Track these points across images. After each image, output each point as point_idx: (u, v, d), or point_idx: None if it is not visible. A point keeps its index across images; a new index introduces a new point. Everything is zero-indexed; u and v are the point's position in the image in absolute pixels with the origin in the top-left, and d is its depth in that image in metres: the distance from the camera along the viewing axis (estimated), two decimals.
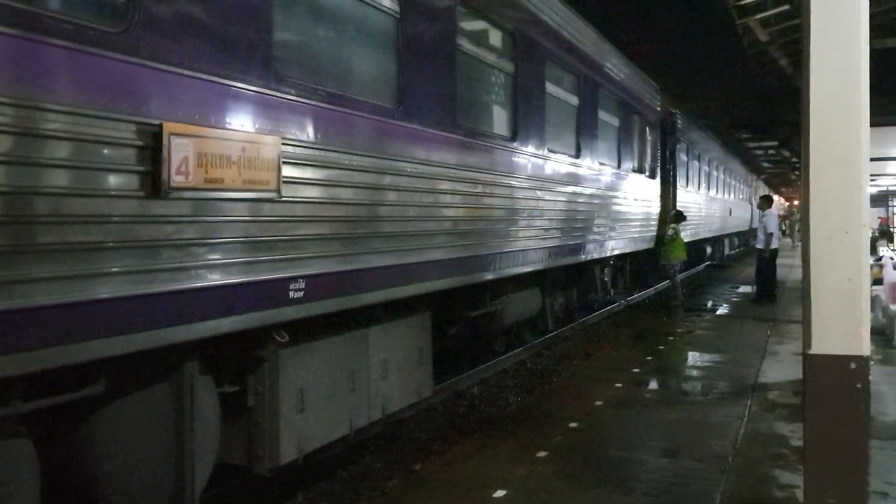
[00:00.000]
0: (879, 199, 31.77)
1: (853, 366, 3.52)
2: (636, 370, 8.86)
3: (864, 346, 3.54)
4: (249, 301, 4.19)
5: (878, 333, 10.26)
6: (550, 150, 9.09)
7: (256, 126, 4.22)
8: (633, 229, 13.50)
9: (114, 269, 3.40)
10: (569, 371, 9.29)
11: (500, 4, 7.72)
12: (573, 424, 6.59)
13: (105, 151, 3.36)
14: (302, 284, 4.59)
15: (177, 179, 3.65)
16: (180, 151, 3.65)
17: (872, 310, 9.49)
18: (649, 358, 9.65)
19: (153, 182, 3.56)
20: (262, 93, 4.28)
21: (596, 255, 11.45)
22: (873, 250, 20.99)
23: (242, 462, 4.79)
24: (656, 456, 5.77)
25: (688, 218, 17.51)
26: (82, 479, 3.82)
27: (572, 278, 11.81)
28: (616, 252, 12.68)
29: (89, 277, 3.29)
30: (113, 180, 3.41)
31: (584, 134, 10.49)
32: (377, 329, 5.88)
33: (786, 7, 13.06)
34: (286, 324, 4.60)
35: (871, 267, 12.63)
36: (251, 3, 4.24)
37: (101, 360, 3.40)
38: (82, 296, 3.26)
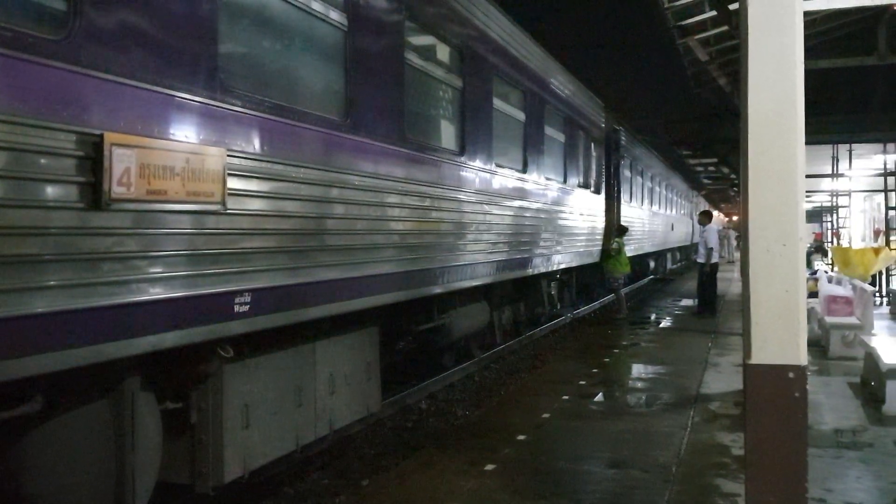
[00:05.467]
0: (814, 215, 32.88)
1: (791, 375, 3.61)
2: (583, 382, 8.95)
3: (802, 356, 3.63)
4: (193, 315, 4.11)
5: (814, 345, 10.57)
6: (498, 165, 9.17)
7: (201, 137, 4.16)
8: (578, 243, 13.68)
9: (51, 283, 3.30)
10: (516, 384, 9.33)
11: (447, 20, 7.77)
12: (521, 437, 6.61)
13: (43, 161, 3.27)
14: (247, 298, 4.52)
15: (118, 191, 3.57)
16: (122, 162, 3.58)
17: (808, 322, 9.78)
18: (595, 370, 9.76)
19: (93, 193, 3.47)
20: (208, 104, 4.22)
21: (543, 269, 11.57)
22: (809, 264, 21.69)
23: (185, 481, 4.69)
24: (603, 467, 5.83)
25: (631, 233, 17.82)
26: (18, 501, 3.68)
27: (520, 292, 11.90)
28: (562, 266, 12.82)
29: (24, 291, 3.19)
30: (51, 191, 3.31)
31: (530, 149, 10.61)
32: (324, 343, 5.83)
33: (724, 28, 13.45)
34: (231, 338, 4.53)
35: (807, 280, 13.02)
36: (197, 13, 4.19)
37: (37, 376, 3.29)
38: (16, 310, 3.15)
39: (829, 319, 10.65)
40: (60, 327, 3.34)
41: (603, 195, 16.00)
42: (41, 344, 3.26)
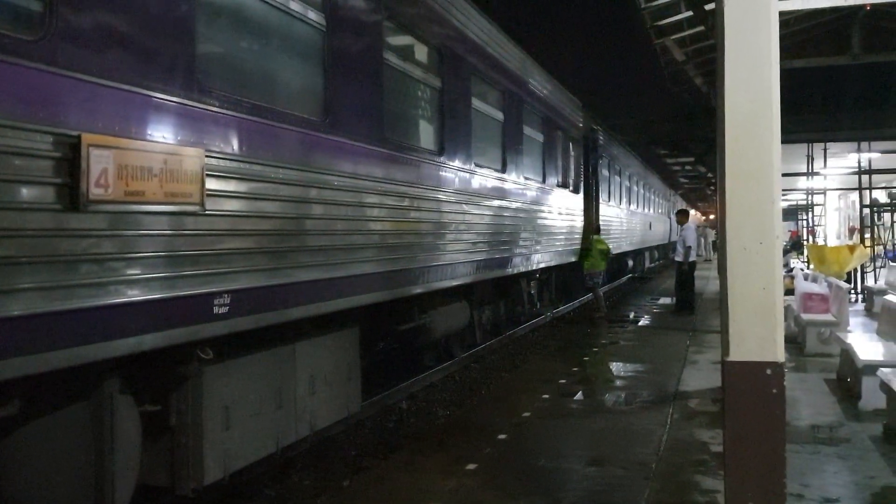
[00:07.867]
0: (789, 214, 33.23)
1: (769, 372, 3.65)
2: (563, 381, 8.98)
3: (779, 353, 3.68)
4: (172, 317, 4.08)
5: (790, 342, 10.69)
6: (477, 165, 9.19)
7: (179, 138, 4.13)
8: (557, 243, 13.73)
9: (27, 285, 3.26)
10: (497, 383, 9.35)
11: (426, 20, 7.78)
12: (502, 436, 6.63)
13: (19, 163, 3.23)
14: (227, 300, 4.50)
15: (96, 192, 3.53)
16: (100, 163, 3.54)
17: (785, 319, 9.88)
18: (575, 369, 9.80)
19: (71, 195, 3.44)
20: (185, 104, 4.19)
21: (522, 269, 11.60)
22: (785, 262, 21.94)
23: (165, 483, 4.65)
24: (583, 465, 5.86)
25: (610, 232, 17.90)
26: None
27: (500, 291, 11.92)
28: (542, 265, 12.86)
29: (0, 294, 3.15)
30: (27, 193, 3.28)
31: (509, 149, 10.64)
32: (305, 344, 5.80)
33: (700, 28, 13.57)
34: (210, 340, 4.50)
35: (784, 278, 13.17)
36: (174, 13, 4.16)
37: (14, 379, 3.26)
38: None
39: (805, 316, 10.77)
40: (38, 330, 3.30)
41: (581, 195, 16.07)
42: (18, 347, 3.22)
